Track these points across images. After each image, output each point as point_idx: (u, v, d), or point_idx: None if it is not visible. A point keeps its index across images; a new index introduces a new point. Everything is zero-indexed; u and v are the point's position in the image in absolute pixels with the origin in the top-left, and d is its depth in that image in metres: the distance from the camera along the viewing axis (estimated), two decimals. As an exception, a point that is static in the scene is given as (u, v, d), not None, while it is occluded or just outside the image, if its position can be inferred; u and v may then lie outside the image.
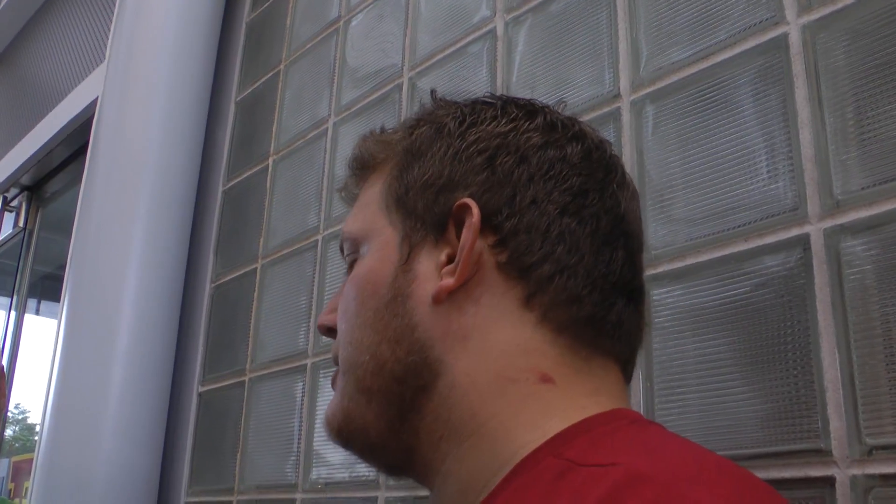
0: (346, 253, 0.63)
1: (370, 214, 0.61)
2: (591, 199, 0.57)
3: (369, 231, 0.61)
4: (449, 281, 0.54)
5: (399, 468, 0.59)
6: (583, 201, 0.56)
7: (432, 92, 0.66)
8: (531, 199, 0.55)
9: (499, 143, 0.57)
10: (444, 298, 0.55)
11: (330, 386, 0.66)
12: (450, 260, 0.56)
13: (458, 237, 0.55)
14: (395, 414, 0.55)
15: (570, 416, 0.51)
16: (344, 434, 0.59)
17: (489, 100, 0.62)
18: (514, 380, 0.53)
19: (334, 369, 0.62)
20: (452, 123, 0.60)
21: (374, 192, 0.62)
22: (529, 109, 0.61)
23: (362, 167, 0.65)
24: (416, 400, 0.55)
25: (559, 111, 0.63)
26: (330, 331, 0.63)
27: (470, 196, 0.56)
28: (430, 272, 0.56)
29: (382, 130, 0.65)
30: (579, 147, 0.59)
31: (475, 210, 0.55)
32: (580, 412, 0.51)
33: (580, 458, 0.46)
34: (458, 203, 0.56)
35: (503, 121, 0.59)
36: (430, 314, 0.55)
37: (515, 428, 0.51)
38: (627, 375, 0.59)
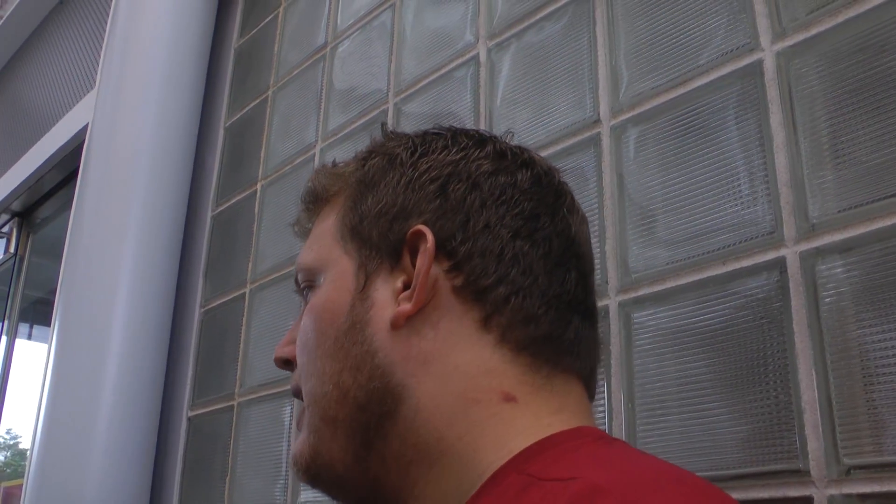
0: (301, 285, 0.64)
1: (325, 245, 0.62)
2: (542, 222, 0.58)
3: (325, 261, 0.61)
4: (406, 306, 0.55)
5: (368, 501, 0.58)
6: (535, 225, 0.58)
7: (382, 125, 0.68)
8: (484, 224, 0.56)
9: (450, 171, 0.59)
10: (402, 324, 0.55)
11: None
12: (405, 287, 0.56)
13: (414, 264, 0.56)
14: (360, 443, 0.56)
15: (534, 433, 0.51)
16: (311, 471, 0.58)
17: (439, 131, 0.63)
18: (478, 400, 0.53)
19: (301, 407, 0.62)
20: (404, 154, 0.61)
21: (328, 223, 0.63)
22: (479, 139, 0.62)
23: (315, 200, 0.66)
24: (381, 427, 0.55)
25: (507, 141, 0.64)
26: (287, 363, 0.64)
27: (424, 223, 0.57)
28: (387, 299, 0.57)
29: (335, 164, 0.66)
30: (529, 173, 0.60)
31: (429, 236, 0.55)
32: (544, 430, 0.52)
33: (542, 473, 0.47)
34: (412, 230, 0.57)
35: (454, 149, 0.60)
36: (388, 340, 0.56)
37: (482, 448, 0.52)
38: (590, 392, 0.59)
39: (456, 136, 0.62)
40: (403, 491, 0.55)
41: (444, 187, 0.58)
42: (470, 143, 0.61)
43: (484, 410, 0.53)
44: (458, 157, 0.59)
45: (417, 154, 0.60)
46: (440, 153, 0.60)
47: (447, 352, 0.55)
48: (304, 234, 0.67)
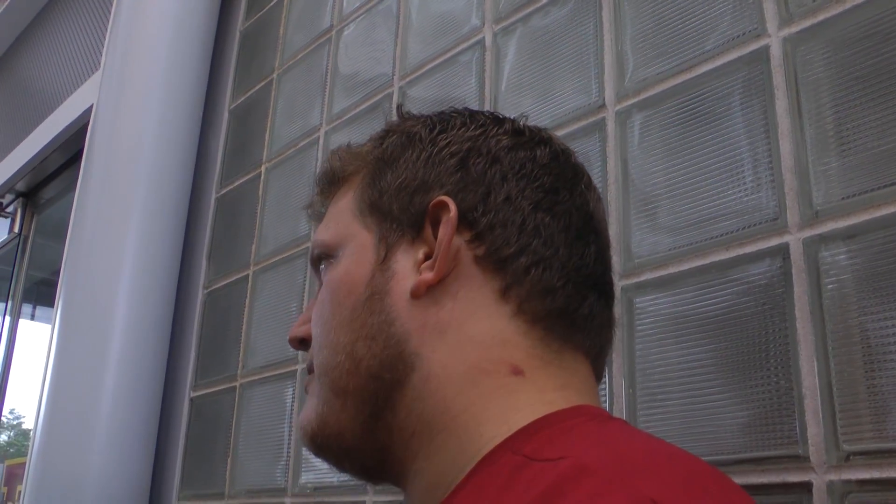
0: (319, 261, 0.64)
1: (343, 222, 0.62)
2: (562, 196, 0.59)
3: (343, 237, 0.62)
4: (428, 275, 0.56)
5: (373, 470, 0.59)
6: (555, 198, 0.58)
7: (398, 107, 0.67)
8: (505, 196, 0.57)
9: (470, 147, 0.59)
10: (422, 292, 0.56)
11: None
12: (427, 257, 0.57)
13: (436, 235, 0.57)
14: (370, 413, 0.56)
15: (536, 410, 0.52)
16: (318, 440, 0.59)
17: (455, 111, 0.64)
18: (488, 371, 0.54)
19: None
20: (423, 131, 0.61)
21: (345, 201, 0.63)
22: (496, 117, 0.63)
23: (330, 182, 0.66)
24: (390, 396, 0.55)
25: (522, 122, 0.65)
26: (302, 342, 0.64)
27: (445, 195, 0.57)
28: (408, 269, 0.57)
29: (349, 146, 0.66)
30: (547, 150, 0.61)
31: (452, 206, 0.56)
32: (546, 406, 0.52)
33: (535, 453, 0.47)
34: (434, 201, 0.57)
35: (472, 126, 0.61)
36: (407, 309, 0.56)
37: (483, 422, 0.52)
38: (598, 372, 0.60)
39: (474, 115, 0.63)
40: (405, 464, 0.56)
41: (465, 161, 0.59)
42: (488, 121, 0.62)
43: (492, 382, 0.53)
44: (477, 132, 0.60)
45: (437, 131, 0.61)
46: (459, 129, 0.61)
47: (464, 321, 0.55)
48: (318, 217, 0.68)
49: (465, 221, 0.57)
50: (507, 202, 0.57)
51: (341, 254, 0.61)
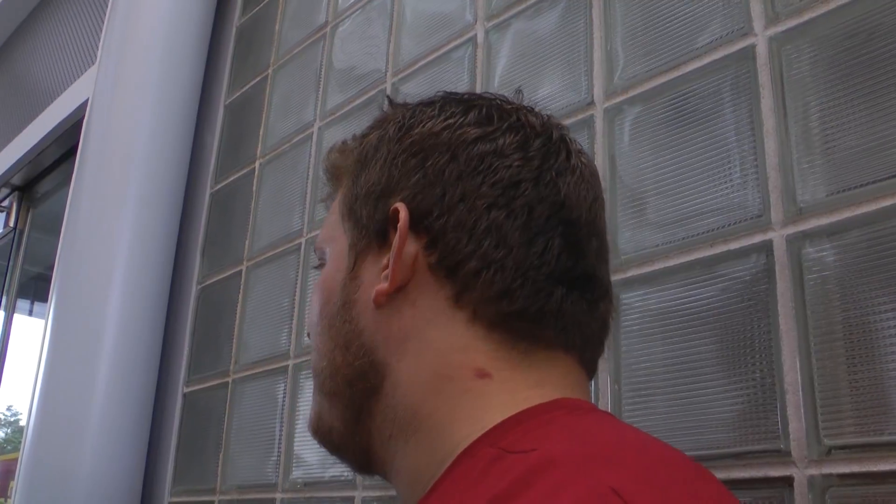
0: (318, 262, 0.65)
1: (331, 224, 0.63)
2: (522, 189, 0.56)
3: (329, 240, 0.63)
4: (383, 285, 0.56)
5: (365, 467, 0.60)
6: (514, 193, 0.56)
7: (388, 98, 0.67)
8: (460, 197, 0.55)
9: (432, 144, 0.58)
10: (383, 302, 0.56)
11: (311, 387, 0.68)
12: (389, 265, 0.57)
13: None
14: (351, 416, 0.58)
15: (509, 408, 0.51)
16: (318, 434, 0.61)
17: (433, 99, 0.62)
18: (450, 377, 0.54)
19: None
20: (392, 129, 0.60)
21: (338, 201, 0.64)
22: (467, 105, 0.60)
23: (331, 178, 0.67)
24: (366, 402, 0.57)
25: (518, 100, 0.62)
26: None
27: (403, 200, 0.56)
28: (374, 278, 0.57)
29: (344, 142, 0.66)
30: (514, 137, 0.58)
31: (402, 213, 0.55)
32: (520, 404, 0.52)
33: (511, 445, 0.47)
34: (391, 208, 0.57)
35: (439, 119, 0.59)
36: (373, 319, 0.57)
37: (455, 422, 0.52)
38: (589, 364, 0.59)
39: (445, 105, 0.61)
40: (386, 464, 0.57)
41: (424, 160, 0.57)
42: (457, 111, 0.59)
43: (456, 387, 0.53)
44: (440, 127, 0.58)
45: (404, 129, 0.60)
46: (426, 124, 0.59)
47: (422, 329, 0.55)
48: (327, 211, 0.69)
49: (422, 226, 0.56)
50: (461, 202, 0.55)
51: (327, 257, 0.62)
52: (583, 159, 0.61)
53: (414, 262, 0.55)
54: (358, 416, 0.57)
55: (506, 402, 0.52)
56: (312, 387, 0.62)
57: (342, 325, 0.58)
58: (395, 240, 0.55)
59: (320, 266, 0.64)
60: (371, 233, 0.58)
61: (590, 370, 0.59)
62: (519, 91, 0.64)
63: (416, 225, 0.56)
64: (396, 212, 0.56)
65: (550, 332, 0.55)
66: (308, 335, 0.65)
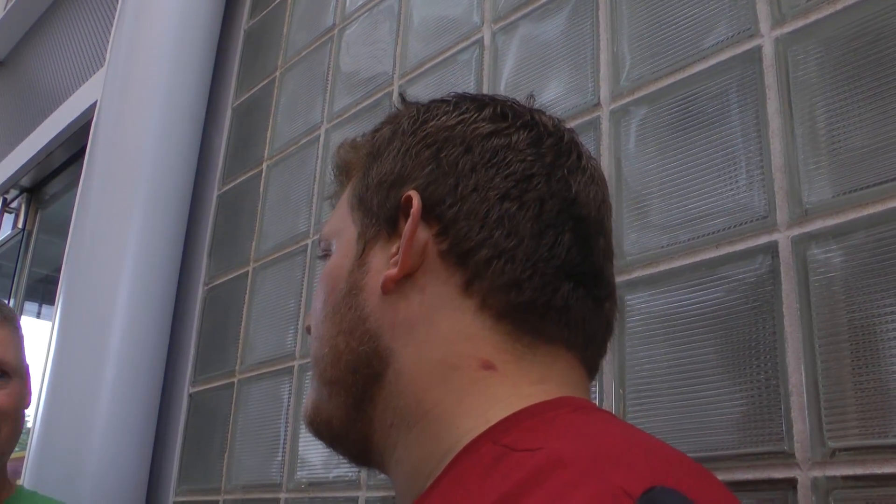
0: (321, 254, 0.65)
1: (339, 216, 0.63)
2: (535, 183, 0.57)
3: (337, 231, 0.63)
4: (392, 270, 0.56)
5: (362, 457, 0.60)
6: (526, 186, 0.56)
7: (402, 96, 0.67)
8: (473, 187, 0.56)
9: (446, 136, 0.59)
10: (391, 288, 0.56)
11: None
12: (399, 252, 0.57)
13: None
14: (352, 404, 0.57)
15: (512, 404, 0.51)
16: (314, 425, 0.61)
17: (446, 98, 0.63)
18: (457, 366, 0.54)
19: None
20: (407, 123, 0.61)
21: (346, 195, 0.64)
22: (481, 102, 0.61)
23: (339, 174, 0.67)
24: (368, 389, 0.56)
25: (529, 104, 0.63)
26: (309, 330, 0.66)
27: (415, 188, 0.57)
28: (382, 265, 0.57)
29: (354, 139, 0.67)
30: (528, 134, 0.59)
31: (415, 200, 0.56)
32: (523, 400, 0.51)
33: (515, 444, 0.47)
34: (404, 196, 0.57)
35: (453, 114, 0.60)
36: (379, 305, 0.57)
37: (459, 415, 0.52)
38: (591, 363, 0.59)
39: (459, 102, 0.61)
40: (386, 454, 0.57)
41: (438, 152, 0.58)
42: (471, 107, 0.60)
43: (462, 377, 0.53)
44: (455, 121, 0.59)
45: (419, 122, 0.60)
46: (440, 118, 0.60)
47: (431, 317, 0.55)
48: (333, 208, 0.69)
49: (434, 215, 0.56)
50: (474, 192, 0.56)
51: (333, 248, 0.63)
52: (592, 163, 0.62)
53: (424, 249, 0.56)
54: (359, 403, 0.57)
55: (508, 396, 0.52)
56: (311, 378, 0.62)
57: (347, 311, 0.58)
58: (408, 224, 0.56)
59: (324, 256, 0.65)
60: (381, 220, 0.58)
61: (591, 370, 0.59)
62: (531, 96, 0.65)
63: (427, 213, 0.56)
64: (409, 199, 0.57)
65: (554, 328, 0.55)
66: (308, 328, 0.65)
